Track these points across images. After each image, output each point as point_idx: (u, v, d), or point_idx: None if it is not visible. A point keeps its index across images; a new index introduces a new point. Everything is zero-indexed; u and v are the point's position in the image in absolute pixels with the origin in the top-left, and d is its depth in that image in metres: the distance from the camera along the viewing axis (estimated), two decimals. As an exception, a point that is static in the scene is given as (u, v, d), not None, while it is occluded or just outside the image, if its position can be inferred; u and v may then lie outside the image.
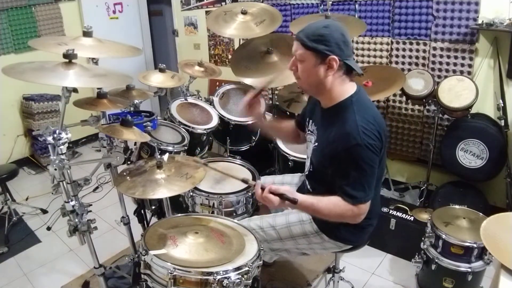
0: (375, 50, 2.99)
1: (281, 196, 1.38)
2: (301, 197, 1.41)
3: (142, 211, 2.16)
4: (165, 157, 1.67)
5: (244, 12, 2.64)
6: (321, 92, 1.46)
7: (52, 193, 1.58)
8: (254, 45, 2.73)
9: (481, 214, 1.99)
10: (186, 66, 2.76)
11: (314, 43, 1.36)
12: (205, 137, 2.43)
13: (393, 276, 2.30)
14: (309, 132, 1.64)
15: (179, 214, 1.70)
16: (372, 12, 2.92)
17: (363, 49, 3.05)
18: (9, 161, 3.73)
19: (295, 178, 1.92)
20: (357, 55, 3.09)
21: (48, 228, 2.81)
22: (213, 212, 1.86)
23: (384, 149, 1.43)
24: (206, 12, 4.06)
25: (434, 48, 2.68)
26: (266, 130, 2.11)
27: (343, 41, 1.36)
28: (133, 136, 1.60)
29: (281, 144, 2.41)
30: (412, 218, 2.37)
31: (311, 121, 1.63)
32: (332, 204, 1.39)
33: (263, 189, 1.40)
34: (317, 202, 1.41)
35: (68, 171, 1.51)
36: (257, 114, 1.87)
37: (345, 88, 1.45)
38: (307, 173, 1.64)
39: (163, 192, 1.53)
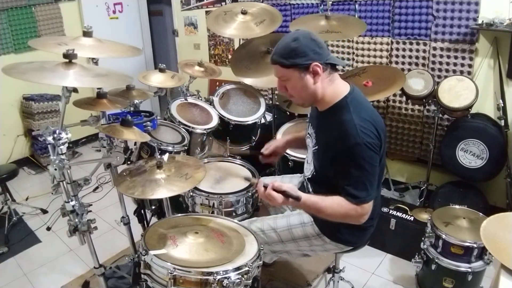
0: (375, 50, 2.98)
1: (284, 193, 1.38)
2: (304, 196, 1.41)
3: (142, 211, 2.16)
4: (165, 157, 1.67)
5: (244, 12, 2.64)
6: (316, 99, 1.47)
7: (52, 193, 1.58)
8: (254, 45, 2.72)
9: (481, 214, 1.99)
10: (186, 66, 2.76)
11: (291, 60, 1.37)
12: (205, 137, 2.43)
13: (393, 276, 2.30)
14: (308, 135, 1.64)
15: (179, 214, 1.70)
16: (372, 12, 2.92)
17: (363, 49, 3.05)
18: (9, 161, 3.73)
19: (294, 179, 1.92)
20: (357, 55, 3.09)
21: (48, 228, 2.80)
22: (213, 212, 1.86)
23: (383, 147, 1.43)
24: (206, 12, 4.06)
25: (434, 48, 2.68)
26: (288, 148, 2.11)
27: (316, 45, 1.38)
28: (133, 136, 1.59)
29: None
30: (412, 218, 2.37)
31: (309, 124, 1.64)
32: (336, 203, 1.39)
33: (265, 187, 1.40)
34: (321, 201, 1.41)
35: (68, 171, 1.51)
36: (277, 155, 1.93)
37: (338, 88, 1.45)
38: (309, 176, 1.64)
39: (163, 192, 1.53)
